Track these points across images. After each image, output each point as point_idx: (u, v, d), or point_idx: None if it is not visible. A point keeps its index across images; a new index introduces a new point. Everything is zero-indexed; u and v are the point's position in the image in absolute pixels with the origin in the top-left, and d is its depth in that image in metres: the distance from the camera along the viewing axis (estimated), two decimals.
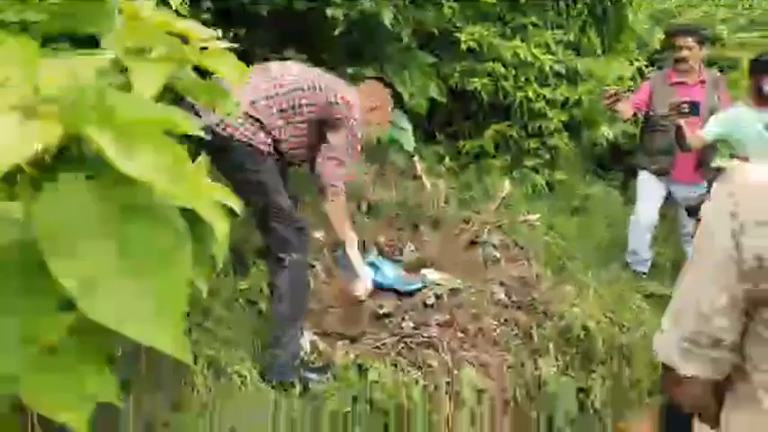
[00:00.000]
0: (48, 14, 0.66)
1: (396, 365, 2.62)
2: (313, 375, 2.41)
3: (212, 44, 0.69)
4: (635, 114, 3.67)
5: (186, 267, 0.41)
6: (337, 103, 2.33)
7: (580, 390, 2.88)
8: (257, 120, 2.23)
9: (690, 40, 3.52)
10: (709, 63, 4.23)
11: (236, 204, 0.62)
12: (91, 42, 0.68)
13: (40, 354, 0.42)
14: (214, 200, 0.54)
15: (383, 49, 3.53)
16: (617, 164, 4.90)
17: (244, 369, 2.20)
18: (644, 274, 3.71)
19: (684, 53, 3.51)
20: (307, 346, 2.54)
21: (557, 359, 2.86)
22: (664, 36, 4.67)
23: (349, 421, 2.22)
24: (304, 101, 2.30)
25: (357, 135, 2.37)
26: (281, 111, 2.27)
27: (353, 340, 2.70)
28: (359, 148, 2.45)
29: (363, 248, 3.17)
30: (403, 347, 2.74)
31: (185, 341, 0.41)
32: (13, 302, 0.41)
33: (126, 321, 0.41)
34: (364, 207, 3.43)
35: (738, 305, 0.94)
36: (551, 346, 2.90)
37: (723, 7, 5.86)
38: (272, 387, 2.31)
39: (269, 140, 2.25)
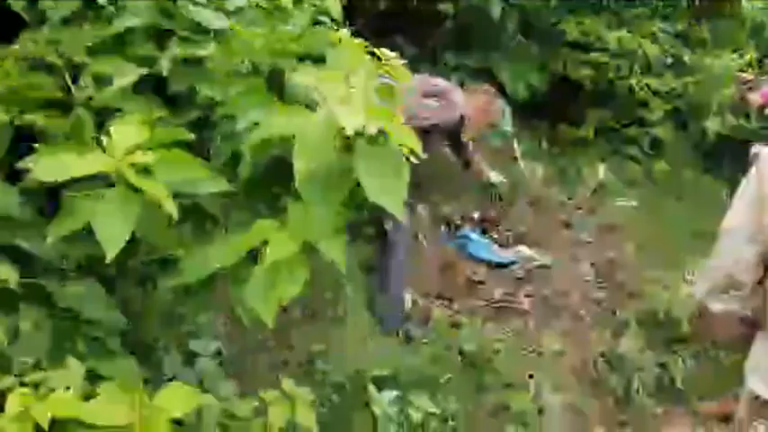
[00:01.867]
0: (298, 45, 1.19)
1: (484, 325, 3.08)
2: (412, 326, 2.94)
3: (392, 60, 1.19)
4: (763, 106, 3.78)
5: (405, 178, 0.94)
6: None
7: (660, 365, 3.17)
8: None
9: None
10: None
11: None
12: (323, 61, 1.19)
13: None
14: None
15: (488, 39, 3.94)
16: (729, 157, 4.97)
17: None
18: None
19: None
20: (409, 303, 3.07)
21: (637, 337, 3.18)
22: None
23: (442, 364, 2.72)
24: None
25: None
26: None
27: (449, 301, 3.20)
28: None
29: (462, 220, 3.63)
30: (492, 311, 3.20)
31: (403, 210, 0.94)
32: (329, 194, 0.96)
33: (379, 196, 0.94)
34: None
35: (757, 263, 1.32)
36: (633, 323, 3.23)
37: None
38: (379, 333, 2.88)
39: None
